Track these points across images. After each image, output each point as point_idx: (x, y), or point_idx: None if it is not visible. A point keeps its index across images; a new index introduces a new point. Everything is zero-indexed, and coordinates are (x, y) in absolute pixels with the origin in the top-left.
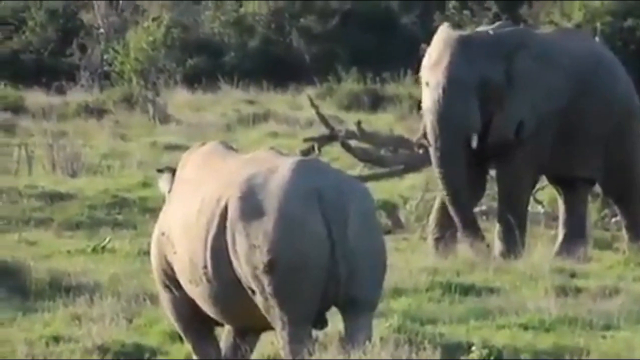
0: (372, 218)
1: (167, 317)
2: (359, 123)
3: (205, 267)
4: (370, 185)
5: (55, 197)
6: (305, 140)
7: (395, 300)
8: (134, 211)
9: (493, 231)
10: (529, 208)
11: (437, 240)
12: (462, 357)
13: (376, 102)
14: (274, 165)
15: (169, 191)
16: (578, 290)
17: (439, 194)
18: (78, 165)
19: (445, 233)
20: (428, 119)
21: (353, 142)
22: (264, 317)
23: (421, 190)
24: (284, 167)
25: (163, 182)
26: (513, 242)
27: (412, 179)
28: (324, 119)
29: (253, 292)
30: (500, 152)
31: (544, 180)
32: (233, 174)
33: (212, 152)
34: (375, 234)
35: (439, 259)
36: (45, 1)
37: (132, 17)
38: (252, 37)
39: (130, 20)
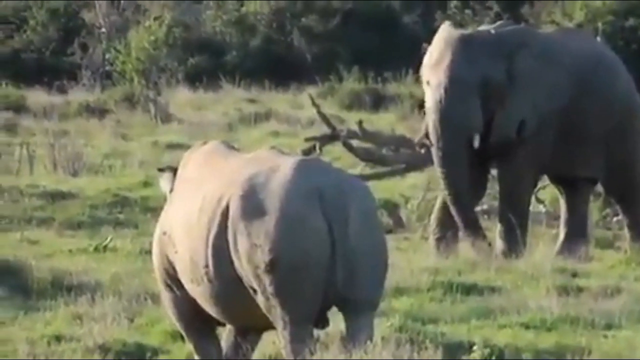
0: (374, 217)
1: (168, 316)
2: (360, 122)
3: (206, 266)
4: (371, 185)
5: (56, 197)
6: (307, 139)
7: (396, 299)
8: (136, 210)
9: (494, 230)
10: (531, 207)
11: (439, 239)
12: (463, 357)
13: (377, 102)
14: (275, 165)
15: (170, 190)
16: (580, 290)
17: (441, 194)
18: (79, 165)
19: (446, 232)
20: (430, 118)
21: (354, 142)
22: (265, 316)
23: (422, 189)
24: (286, 166)
25: (164, 181)
26: (514, 241)
27: (414, 179)
28: (325, 119)
29: (254, 291)
30: (502, 152)
31: (545, 180)
32: (234, 173)
33: (213, 151)
34: (377, 233)
35: (441, 259)
36: (46, 0)
37: (134, 17)
38: (253, 37)
39: (132, 20)
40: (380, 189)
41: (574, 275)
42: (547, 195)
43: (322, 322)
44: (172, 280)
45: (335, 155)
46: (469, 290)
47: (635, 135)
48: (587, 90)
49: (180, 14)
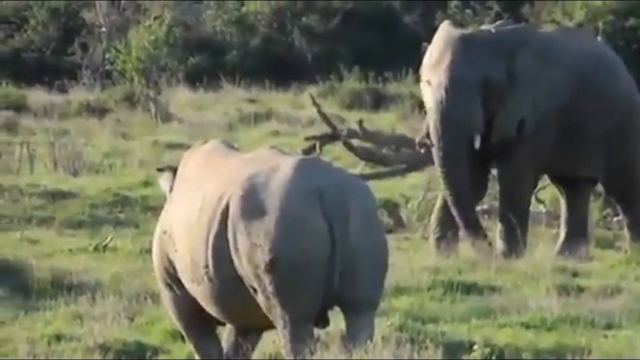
0: (374, 217)
1: (168, 315)
2: (360, 122)
3: (206, 265)
4: (372, 184)
5: (57, 196)
6: (307, 139)
7: (397, 299)
8: (136, 210)
9: (495, 230)
10: (531, 207)
11: (439, 239)
12: (463, 356)
13: (378, 101)
14: (275, 164)
15: (170, 190)
16: (580, 290)
17: (441, 193)
18: (80, 164)
19: (446, 232)
20: (431, 119)
21: (355, 141)
22: (265, 315)
23: (423, 189)
24: (286, 165)
25: (163, 181)
26: (515, 241)
27: (414, 178)
28: (325, 118)
29: (254, 290)
30: (503, 152)
31: (545, 180)
32: (234, 173)
33: (213, 150)
34: (377, 232)
35: (441, 258)
36: (47, 0)
37: (134, 16)
38: (253, 36)
39: (132, 19)
40: (381, 189)
41: (574, 275)
42: (548, 195)
43: (323, 322)
44: (173, 279)
45: (336, 154)
46: (469, 289)
47: (635, 136)
48: (588, 89)
49: (181, 14)
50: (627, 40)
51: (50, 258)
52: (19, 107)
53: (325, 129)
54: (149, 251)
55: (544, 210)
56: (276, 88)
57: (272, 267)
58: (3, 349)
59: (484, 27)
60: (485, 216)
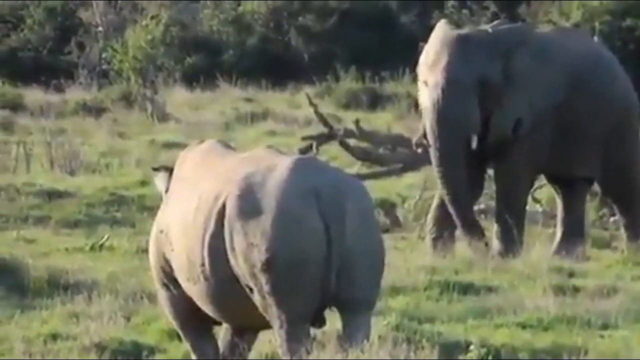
0: (370, 216)
1: (165, 315)
2: (357, 122)
3: (202, 265)
4: (368, 184)
5: (53, 195)
6: (304, 138)
7: (393, 298)
8: (132, 209)
9: (491, 230)
10: (527, 207)
11: (435, 239)
12: (460, 356)
13: (375, 101)
14: (272, 164)
15: (166, 189)
16: (576, 290)
17: (437, 193)
18: (76, 163)
19: (443, 232)
20: (427, 119)
21: (351, 141)
22: (261, 315)
23: (419, 189)
24: (282, 165)
25: (159, 180)
26: (511, 241)
27: (411, 178)
28: (322, 118)
29: (251, 290)
30: (499, 151)
31: (542, 179)
32: (231, 172)
33: (210, 150)
34: (373, 232)
35: (437, 258)
36: None
37: (131, 16)
38: (250, 36)
39: (129, 19)
40: (377, 189)
41: (571, 275)
42: (544, 194)
43: (319, 321)
44: (169, 279)
45: (332, 154)
46: (465, 289)
47: (632, 136)
48: (585, 89)
49: (177, 13)
50: (624, 41)
51: (46, 257)
52: (16, 106)
53: (321, 128)
54: (146, 250)
55: (540, 210)
56: (273, 88)
57: (269, 266)
58: None
59: (481, 27)
60: (482, 216)
